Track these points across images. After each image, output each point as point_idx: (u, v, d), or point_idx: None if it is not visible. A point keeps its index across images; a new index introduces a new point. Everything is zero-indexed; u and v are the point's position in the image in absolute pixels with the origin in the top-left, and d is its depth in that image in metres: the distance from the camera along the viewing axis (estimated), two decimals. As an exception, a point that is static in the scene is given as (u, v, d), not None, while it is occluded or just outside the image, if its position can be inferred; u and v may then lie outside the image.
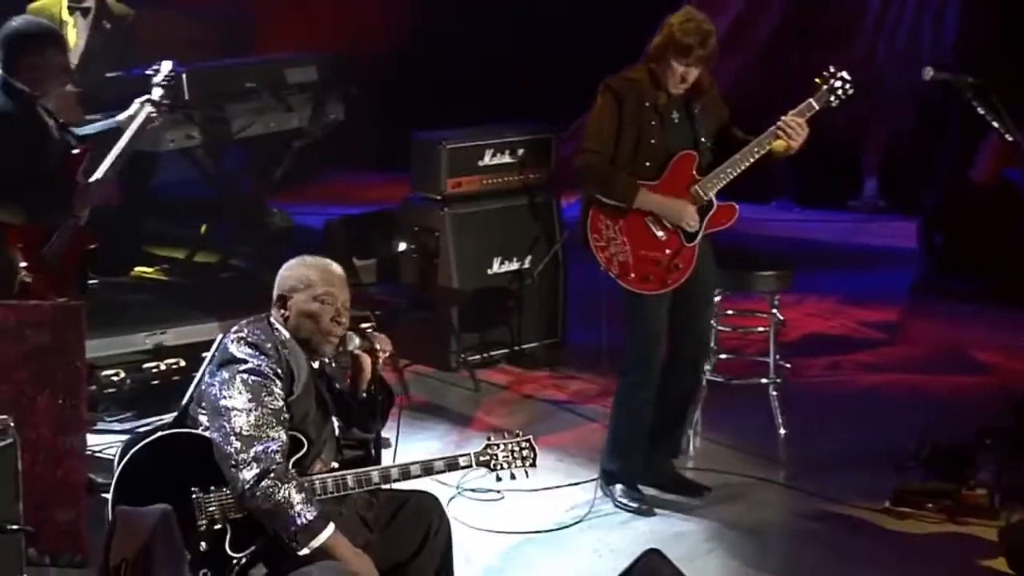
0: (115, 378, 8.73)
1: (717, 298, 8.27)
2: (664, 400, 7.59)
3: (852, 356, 10.19)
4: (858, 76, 14.86)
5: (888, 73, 15.08)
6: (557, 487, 7.85)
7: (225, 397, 5.41)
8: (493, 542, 7.37)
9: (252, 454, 5.28)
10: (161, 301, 10.14)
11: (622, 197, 7.05)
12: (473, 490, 7.81)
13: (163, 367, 9.07)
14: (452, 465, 5.81)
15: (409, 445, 7.74)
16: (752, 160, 7.29)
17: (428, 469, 5.75)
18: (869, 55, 15.06)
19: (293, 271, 5.65)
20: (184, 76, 9.19)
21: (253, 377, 5.41)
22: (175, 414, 5.85)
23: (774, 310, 8.55)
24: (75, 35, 10.30)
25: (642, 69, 7.15)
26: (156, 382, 8.84)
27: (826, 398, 9.43)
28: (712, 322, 8.30)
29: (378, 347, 5.76)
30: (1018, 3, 13.54)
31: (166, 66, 8.21)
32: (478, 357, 9.50)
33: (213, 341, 7.38)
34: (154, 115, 8.08)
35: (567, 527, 7.41)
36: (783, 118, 7.24)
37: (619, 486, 7.51)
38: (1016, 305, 10.78)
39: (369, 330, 5.99)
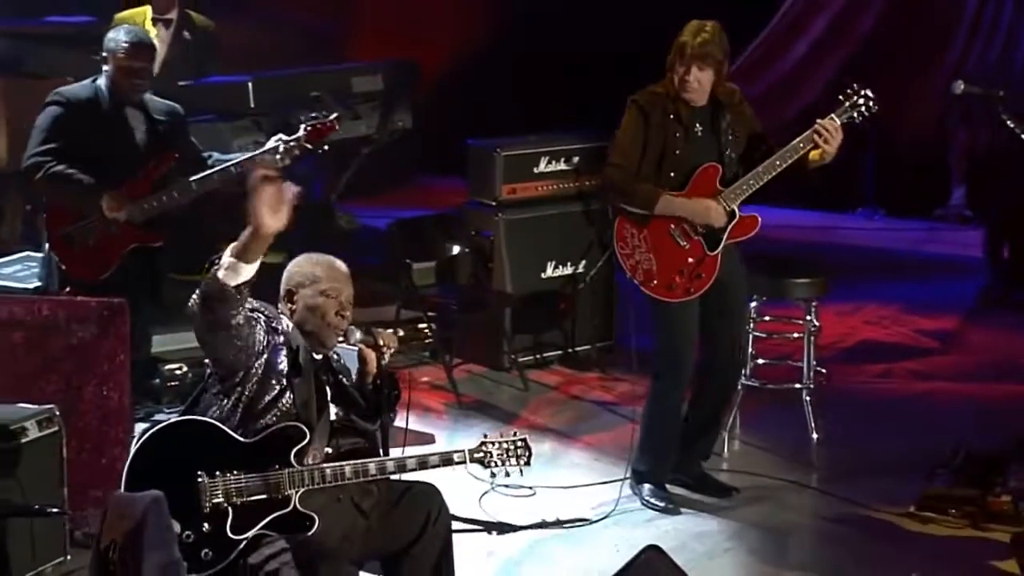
0: (178, 371, 8.87)
1: (753, 303, 8.29)
2: (699, 405, 7.70)
3: (904, 364, 10.09)
4: (949, 81, 14.92)
5: (980, 80, 15.09)
6: (588, 484, 7.94)
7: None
8: (517, 537, 7.48)
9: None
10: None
11: (644, 204, 7.15)
12: (507, 486, 7.70)
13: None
14: (447, 461, 5.92)
15: (451, 441, 8.53)
16: (779, 168, 7.31)
17: (423, 463, 5.87)
18: (963, 59, 14.86)
19: (300, 267, 5.79)
20: (250, 84, 9.48)
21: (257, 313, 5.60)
22: (188, 401, 6.01)
23: (809, 316, 8.45)
24: (159, 44, 10.24)
25: (666, 83, 7.23)
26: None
27: (870, 404, 9.42)
28: (748, 328, 8.33)
29: (382, 343, 5.83)
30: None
31: (325, 114, 8.36)
32: (530, 358, 9.56)
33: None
34: (276, 155, 8.13)
35: (592, 523, 7.46)
36: (819, 121, 7.25)
37: (647, 486, 7.56)
38: None
39: (376, 328, 6.02)
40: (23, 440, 6.46)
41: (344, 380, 6.04)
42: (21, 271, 9.01)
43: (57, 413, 6.57)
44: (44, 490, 6.47)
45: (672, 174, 7.21)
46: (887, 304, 11.18)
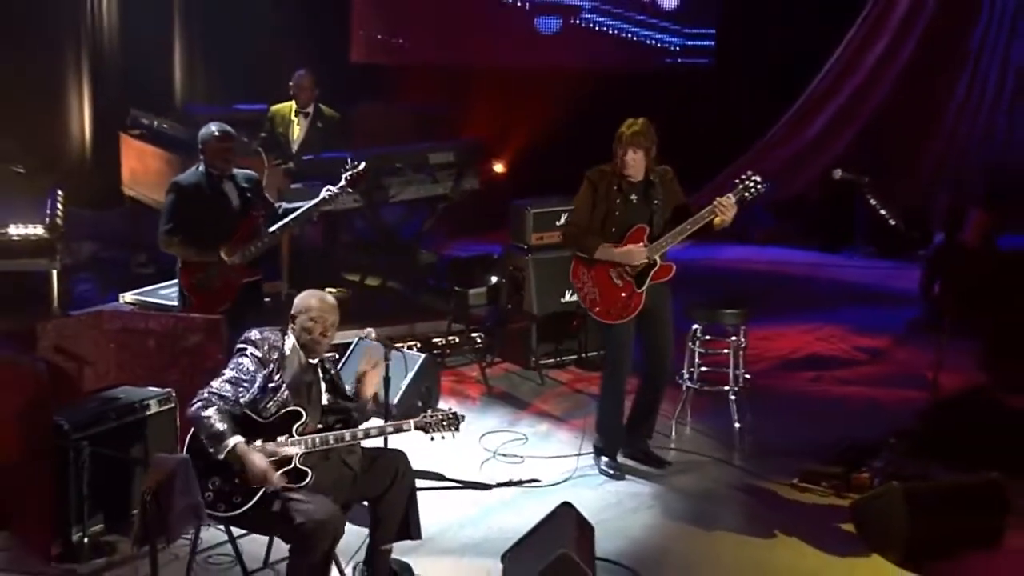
0: None
1: (696, 326, 8.46)
2: (639, 397, 7.99)
3: (834, 372, 10.10)
4: (935, 155, 14.79)
5: (960, 153, 14.79)
6: (566, 456, 8.18)
7: (228, 365, 6.10)
8: (496, 493, 7.75)
9: (208, 389, 5.93)
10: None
11: (589, 252, 7.51)
12: (504, 455, 8.25)
13: None
14: (398, 428, 6.32)
15: (477, 422, 8.73)
16: (690, 231, 7.56)
17: (381, 431, 6.34)
18: (952, 136, 14.78)
19: (302, 300, 6.25)
20: (349, 158, 9.31)
21: (242, 358, 6.06)
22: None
23: (733, 338, 8.57)
24: (298, 130, 10.83)
25: (613, 164, 7.55)
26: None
27: (794, 402, 9.45)
28: (694, 345, 8.49)
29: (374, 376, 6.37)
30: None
31: (356, 165, 8.56)
32: (551, 360, 9.73)
33: (364, 340, 8.35)
34: (330, 201, 8.44)
35: (555, 484, 7.74)
36: (718, 198, 7.50)
37: (604, 458, 7.87)
38: (1000, 337, 10.07)
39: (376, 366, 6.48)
40: (147, 413, 6.98)
41: (333, 373, 6.44)
42: (172, 292, 9.06)
43: (174, 395, 7.05)
44: (163, 449, 6.75)
45: (613, 230, 7.51)
46: (840, 325, 11.06)
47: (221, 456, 5.83)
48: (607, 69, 15.19)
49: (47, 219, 10.15)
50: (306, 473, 5.95)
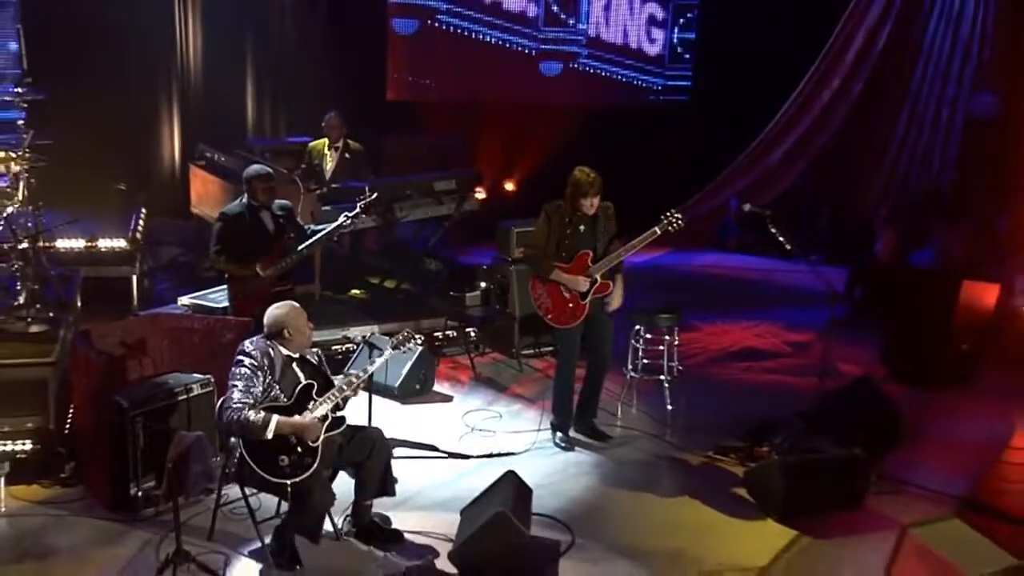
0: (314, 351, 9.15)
1: (638, 327, 8.61)
2: (585, 384, 8.18)
3: (762, 363, 10.12)
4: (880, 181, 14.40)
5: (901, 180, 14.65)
6: (529, 431, 8.33)
7: (233, 372, 6.25)
8: (470, 463, 7.88)
9: (230, 403, 6.07)
10: (357, 309, 10.44)
11: (543, 273, 7.79)
12: (480, 430, 8.40)
13: (342, 348, 9.48)
14: (382, 356, 6.63)
15: (464, 402, 9.03)
16: (623, 255, 7.78)
17: (371, 366, 6.54)
18: (894, 165, 14.70)
19: (276, 319, 6.42)
20: (367, 187, 9.58)
21: (242, 370, 6.24)
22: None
23: (667, 337, 8.68)
24: (331, 162, 10.85)
25: (565, 201, 7.78)
26: (339, 357, 9.23)
27: (723, 388, 9.54)
28: (637, 342, 8.64)
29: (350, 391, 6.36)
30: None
31: (369, 196, 8.63)
32: (530, 351, 9.84)
33: (376, 336, 8.46)
34: (347, 225, 8.53)
35: (517, 454, 7.96)
36: (646, 233, 7.71)
37: (559, 433, 8.11)
38: (896, 336, 10.09)
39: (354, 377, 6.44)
40: (191, 395, 7.19)
41: (313, 360, 6.56)
42: (220, 296, 9.35)
43: (212, 380, 7.23)
44: (203, 427, 6.88)
45: (563, 254, 7.78)
46: (775, 322, 11.08)
47: (270, 435, 6.00)
48: (600, 106, 15.10)
49: (130, 233, 10.41)
50: (340, 420, 6.26)
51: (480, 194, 12.87)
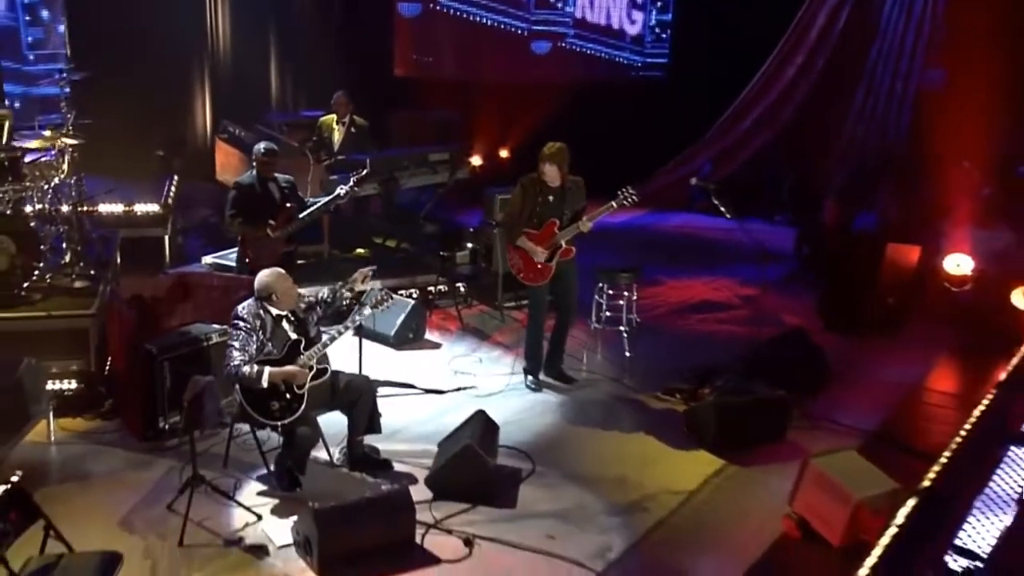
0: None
1: (601, 284, 8.91)
2: (554, 334, 8.40)
3: (715, 314, 10.17)
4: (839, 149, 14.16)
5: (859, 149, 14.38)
6: (505, 374, 8.57)
7: (230, 334, 6.52)
8: (450, 398, 8.13)
9: (231, 360, 6.34)
10: (360, 266, 9.55)
11: (513, 240, 8.03)
12: (464, 373, 8.59)
13: (346, 301, 8.87)
14: (362, 315, 6.83)
15: (451, 348, 9.20)
16: (588, 226, 7.88)
17: (353, 322, 6.78)
18: (852, 136, 14.44)
19: (265, 283, 6.55)
20: (368, 160, 9.93)
21: (238, 331, 6.46)
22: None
23: (625, 292, 8.95)
24: (338, 135, 10.94)
25: (538, 174, 7.94)
26: (343, 309, 8.57)
27: (677, 337, 9.62)
28: (601, 297, 8.94)
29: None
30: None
31: (361, 171, 8.90)
32: (511, 304, 9.96)
33: (381, 288, 8.31)
34: (343, 197, 8.75)
35: (493, 395, 8.20)
36: (602, 207, 7.90)
37: (529, 376, 8.36)
38: (832, 291, 10.21)
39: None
40: (210, 343, 7.45)
41: (301, 316, 6.69)
42: (233, 256, 9.37)
43: (228, 330, 6.97)
44: (221, 367, 6.75)
45: (535, 221, 7.98)
46: (731, 278, 11.03)
47: (266, 384, 6.29)
48: (585, 81, 14.99)
49: (163, 198, 10.68)
50: (324, 371, 6.53)
51: (477, 161, 13.16)
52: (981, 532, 5.63)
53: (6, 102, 11.95)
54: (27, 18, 12.75)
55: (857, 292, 9.87)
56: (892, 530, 5.62)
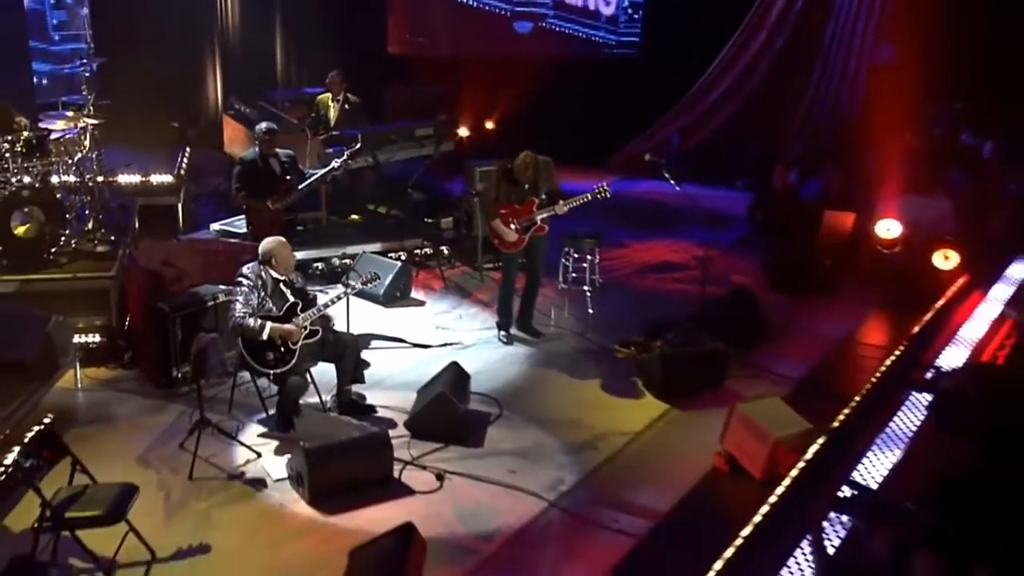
0: (319, 265, 9.79)
1: (567, 249, 9.07)
2: (524, 293, 8.73)
3: (673, 274, 10.32)
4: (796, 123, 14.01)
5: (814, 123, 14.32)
6: (481, 329, 8.84)
7: (235, 290, 6.77)
8: (431, 350, 8.35)
9: (235, 313, 6.63)
10: (355, 231, 10.66)
11: (489, 218, 8.38)
12: (445, 328, 8.86)
13: (338, 263, 9.80)
14: (347, 293, 7.03)
15: (434, 305, 9.41)
16: (564, 210, 8.15)
17: (341, 296, 7.00)
18: (809, 109, 14.43)
19: (268, 249, 6.83)
20: (359, 134, 10.12)
21: (242, 288, 6.74)
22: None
23: (588, 256, 9.10)
24: (333, 112, 11.06)
25: (517, 164, 8.19)
26: (338, 270, 9.64)
27: (637, 295, 9.81)
28: (567, 261, 9.10)
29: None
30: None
31: (353, 145, 9.14)
32: (490, 265, 10.07)
33: (371, 252, 9.14)
34: (337, 169, 9.00)
35: (469, 347, 8.46)
36: (580, 196, 8.14)
37: (502, 331, 8.67)
38: (776, 253, 10.31)
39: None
40: (217, 302, 7.66)
41: (297, 282, 6.97)
42: (241, 223, 9.71)
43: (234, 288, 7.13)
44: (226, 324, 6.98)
45: (514, 200, 8.28)
46: (690, 240, 10.79)
47: (265, 336, 6.61)
48: (563, 58, 14.92)
49: (176, 169, 10.81)
50: (315, 332, 6.84)
51: (464, 132, 13.48)
52: (875, 466, 6.17)
53: (34, 79, 12.27)
54: (52, 1, 12.89)
55: (797, 255, 10.10)
56: (801, 464, 6.18)
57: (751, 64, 14.78)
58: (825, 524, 5.25)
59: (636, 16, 15.60)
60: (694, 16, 14.23)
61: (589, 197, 8.21)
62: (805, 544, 5.28)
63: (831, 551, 5.13)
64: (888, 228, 10.40)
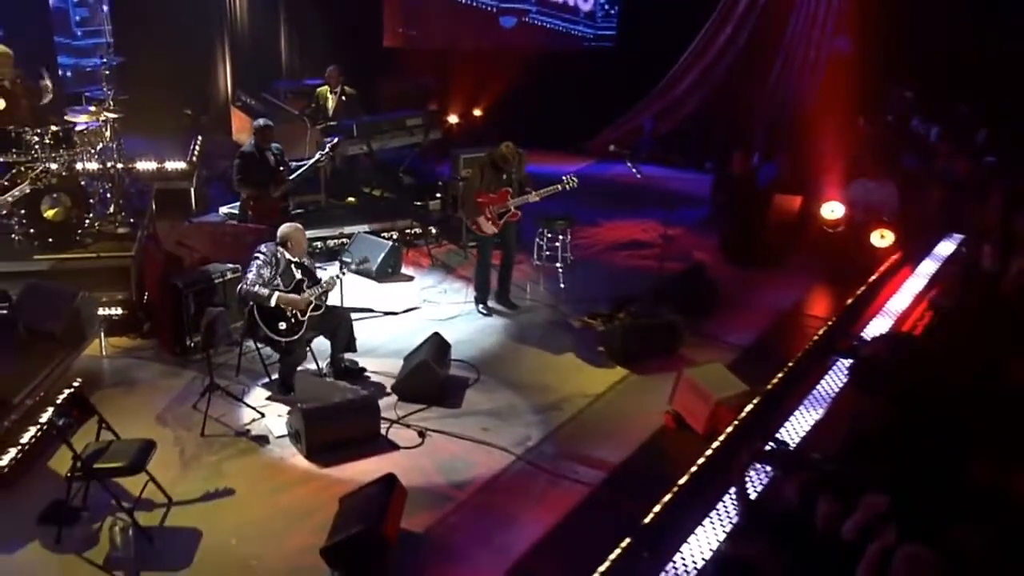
0: (318, 244, 9.82)
1: (541, 229, 9.26)
2: (500, 271, 8.94)
3: (640, 252, 10.39)
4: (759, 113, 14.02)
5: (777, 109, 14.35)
6: (463, 302, 9.01)
7: (250, 262, 6.96)
8: (417, 322, 8.57)
9: (247, 282, 6.83)
10: (352, 212, 10.77)
11: (469, 214, 8.62)
12: (430, 301, 9.03)
13: (334, 242, 9.98)
14: (331, 283, 7.16)
15: (421, 281, 9.55)
16: (537, 199, 8.45)
17: (332, 281, 7.17)
18: (771, 99, 14.39)
19: (285, 233, 7.05)
20: (355, 126, 10.31)
21: (256, 261, 6.93)
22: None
23: (561, 236, 9.31)
24: (332, 104, 11.23)
25: (490, 155, 8.48)
26: (335, 249, 9.74)
27: (607, 270, 9.94)
28: (542, 241, 9.27)
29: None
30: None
31: (334, 140, 9.32)
32: (474, 244, 9.64)
33: (365, 232, 9.29)
34: (322, 161, 9.18)
35: (452, 319, 8.68)
36: (550, 187, 8.41)
37: (479, 305, 8.88)
38: (732, 232, 10.51)
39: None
40: (224, 279, 7.86)
41: (307, 264, 7.18)
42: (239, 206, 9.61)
43: (239, 268, 7.63)
44: (231, 305, 7.45)
45: (491, 190, 8.50)
46: (657, 220, 10.53)
47: (273, 303, 6.80)
48: (545, 50, 14.99)
49: (189, 156, 11.01)
50: (319, 306, 7.13)
51: (454, 119, 13.75)
52: (800, 423, 6.62)
53: (59, 72, 12.46)
54: (75, 1, 13.06)
55: (749, 234, 10.37)
56: (735, 422, 6.63)
57: (718, 55, 14.83)
58: (749, 473, 5.66)
59: (612, 11, 15.63)
60: (666, 11, 14.28)
61: (560, 188, 8.48)
62: (732, 490, 5.69)
63: (753, 496, 5.56)
64: (832, 210, 10.68)
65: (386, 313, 8.79)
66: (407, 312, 8.76)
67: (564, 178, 8.46)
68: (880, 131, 12.94)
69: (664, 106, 15.05)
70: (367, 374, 7.59)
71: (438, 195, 10.80)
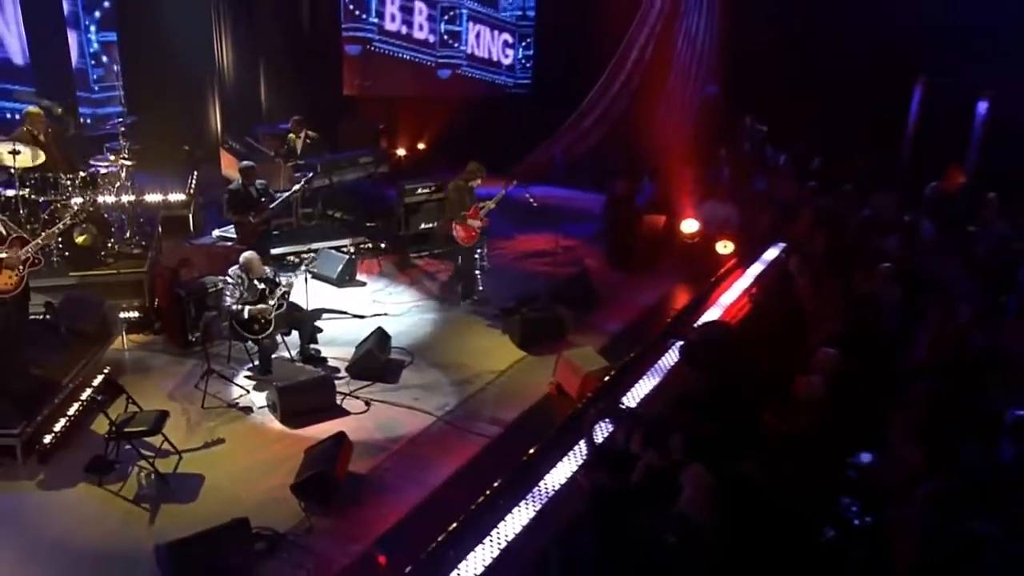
0: (291, 256, 10.22)
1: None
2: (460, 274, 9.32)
3: (542, 259, 10.72)
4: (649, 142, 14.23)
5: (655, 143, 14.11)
6: (406, 302, 9.40)
7: (223, 285, 7.50)
8: (369, 320, 8.76)
9: (225, 302, 7.36)
10: (317, 231, 11.00)
11: (461, 220, 9.17)
12: (379, 302, 9.31)
13: (304, 255, 10.29)
14: (290, 285, 7.64)
15: (373, 286, 9.99)
16: (493, 207, 9.05)
17: (288, 289, 7.61)
18: (657, 131, 14.17)
19: (246, 260, 7.43)
20: (319, 164, 10.66)
21: (228, 285, 7.48)
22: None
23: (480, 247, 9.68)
24: (299, 146, 11.56)
25: (462, 176, 8.95)
26: (304, 261, 10.04)
27: (517, 275, 10.31)
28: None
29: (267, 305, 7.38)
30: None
31: (307, 175, 9.61)
32: (416, 255, 10.61)
33: (328, 247, 9.66)
34: (297, 193, 9.56)
35: (396, 316, 8.97)
36: (502, 191, 8.95)
37: (468, 298, 9.37)
38: (614, 243, 10.89)
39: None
40: (217, 288, 8.14)
41: (267, 277, 7.57)
42: (230, 232, 10.03)
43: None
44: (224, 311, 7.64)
45: (467, 203, 9.11)
46: (559, 233, 10.60)
47: (247, 316, 7.40)
48: (475, 96, 15.20)
49: (187, 188, 11.25)
50: (281, 305, 7.65)
51: (402, 152, 14.36)
52: (642, 389, 7.67)
53: (81, 119, 12.85)
54: (92, 63, 13.37)
55: (628, 244, 11.01)
56: (595, 389, 7.69)
57: (615, 98, 15.16)
58: (596, 425, 6.72)
59: (528, 64, 15.99)
60: (571, 64, 14.61)
61: (504, 192, 9.16)
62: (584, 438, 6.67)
63: (598, 441, 6.55)
64: (689, 225, 11.45)
65: (355, 316, 9.10)
66: (374, 316, 9.00)
67: (502, 188, 9.17)
68: (738, 158, 13.50)
69: (571, 139, 15.32)
70: (327, 359, 8.08)
71: (387, 217, 11.22)
